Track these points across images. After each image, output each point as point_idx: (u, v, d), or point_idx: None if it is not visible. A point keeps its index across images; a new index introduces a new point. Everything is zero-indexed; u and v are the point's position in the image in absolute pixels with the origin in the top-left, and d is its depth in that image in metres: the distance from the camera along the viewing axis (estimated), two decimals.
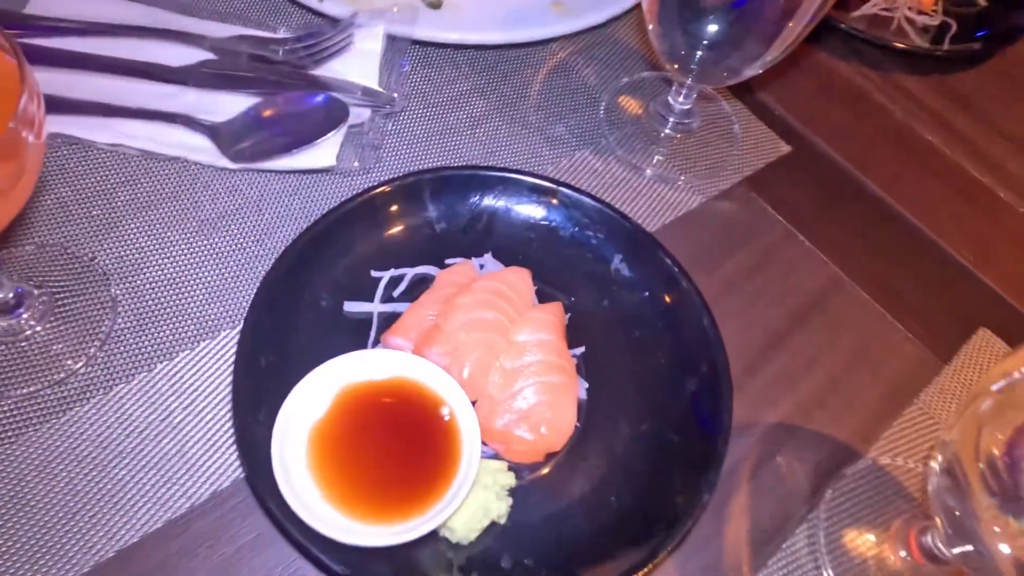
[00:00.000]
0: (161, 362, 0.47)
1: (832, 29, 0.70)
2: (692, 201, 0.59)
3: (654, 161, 0.61)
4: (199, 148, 0.54)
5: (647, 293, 0.51)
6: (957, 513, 0.35)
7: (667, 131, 0.62)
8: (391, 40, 0.60)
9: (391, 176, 0.52)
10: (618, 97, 0.64)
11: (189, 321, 0.49)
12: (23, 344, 0.46)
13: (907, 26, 0.71)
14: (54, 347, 0.46)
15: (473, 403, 0.44)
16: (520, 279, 0.50)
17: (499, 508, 0.42)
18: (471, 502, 0.41)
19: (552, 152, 0.61)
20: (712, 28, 0.52)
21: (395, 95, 0.58)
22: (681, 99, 0.60)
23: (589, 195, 0.53)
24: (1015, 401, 0.31)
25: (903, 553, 0.44)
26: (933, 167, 0.65)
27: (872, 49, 0.71)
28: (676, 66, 0.55)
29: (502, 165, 0.58)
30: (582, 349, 0.50)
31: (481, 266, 0.52)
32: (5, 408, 0.44)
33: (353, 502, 0.40)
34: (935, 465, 0.35)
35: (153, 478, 0.43)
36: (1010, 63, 0.73)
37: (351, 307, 0.49)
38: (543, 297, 0.51)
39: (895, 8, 0.72)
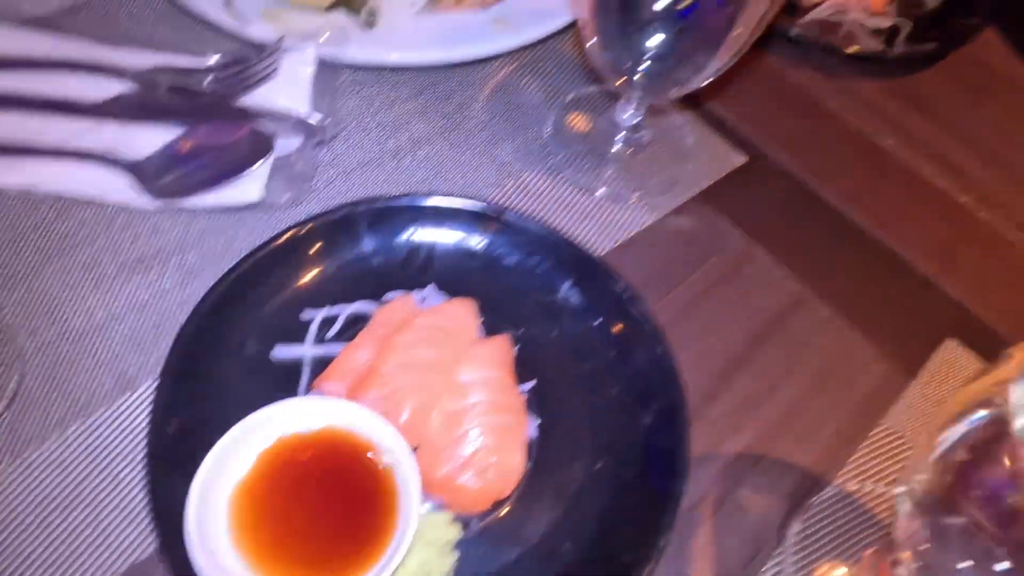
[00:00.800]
0: (75, 422, 0.43)
1: (782, 36, 0.68)
2: (645, 220, 0.57)
3: (604, 179, 0.58)
4: (117, 187, 0.51)
5: (598, 321, 0.49)
6: (927, 554, 0.32)
7: (616, 147, 0.60)
8: (323, 64, 0.57)
9: (323, 208, 0.50)
10: (565, 114, 0.62)
11: (106, 375, 0.45)
12: None
13: (858, 30, 0.69)
14: None
15: (414, 450, 0.41)
16: (463, 312, 0.48)
17: (442, 566, 0.39)
18: (411, 562, 0.38)
19: (498, 174, 0.58)
20: (656, 39, 0.49)
21: (327, 122, 0.55)
22: (628, 114, 0.58)
23: (533, 220, 0.51)
24: (990, 451, 0.29)
25: None
26: (891, 174, 0.63)
27: (824, 55, 0.69)
28: (621, 81, 0.53)
29: (445, 190, 0.55)
30: (532, 383, 0.47)
31: (423, 299, 0.49)
32: None
33: (281, 571, 0.37)
34: (902, 506, 0.33)
35: (65, 552, 0.39)
36: (966, 63, 0.71)
37: (280, 352, 0.46)
38: (490, 330, 0.48)
39: (846, 11, 0.70)
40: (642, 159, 0.60)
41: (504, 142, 0.60)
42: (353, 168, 0.56)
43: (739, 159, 0.62)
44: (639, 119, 0.58)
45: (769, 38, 0.68)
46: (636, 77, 0.52)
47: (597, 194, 0.58)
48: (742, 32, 0.48)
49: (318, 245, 0.49)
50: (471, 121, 0.60)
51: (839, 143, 0.64)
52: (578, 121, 0.61)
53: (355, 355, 0.44)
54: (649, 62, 0.51)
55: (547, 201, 0.57)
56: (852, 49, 0.68)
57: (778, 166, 0.62)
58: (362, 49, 0.58)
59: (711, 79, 0.51)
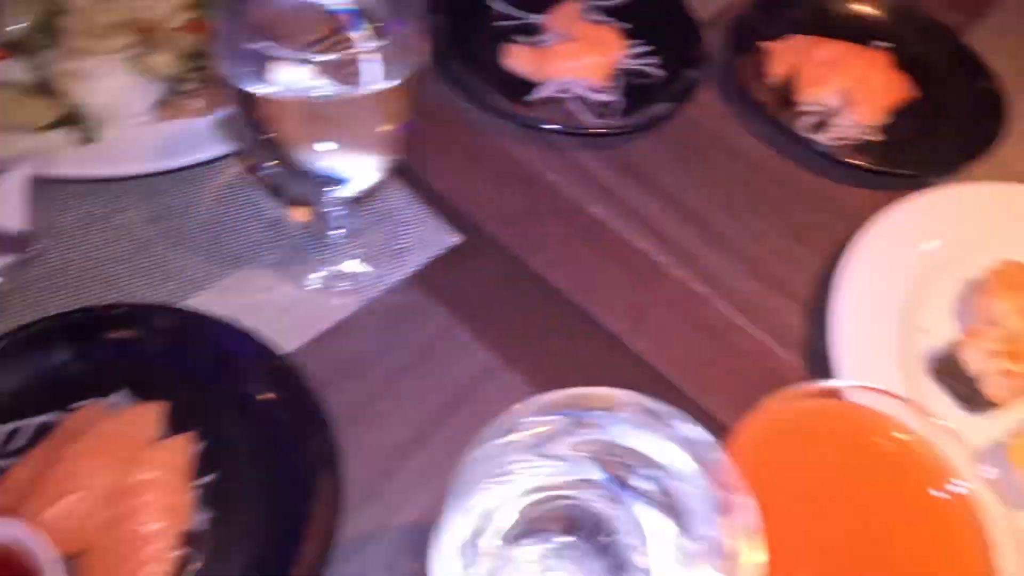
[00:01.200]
0: None
1: (509, 116, 0.74)
2: (351, 306, 0.61)
3: (317, 268, 0.63)
4: None
5: (277, 414, 0.53)
6: None
7: (333, 234, 0.64)
8: (39, 180, 0.61)
9: (20, 324, 0.53)
10: (287, 208, 0.66)
11: None
12: None
13: (576, 107, 0.76)
14: None
15: (76, 556, 0.45)
16: (143, 415, 0.51)
17: None
18: None
19: (220, 270, 0.62)
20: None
21: (39, 237, 0.59)
22: (334, 208, 0.63)
23: (224, 320, 0.55)
24: None
25: None
26: (598, 240, 0.69)
27: (550, 132, 0.75)
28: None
29: (157, 295, 0.59)
30: (211, 477, 0.51)
31: (112, 405, 0.53)
32: None
33: None
34: None
35: None
36: (681, 127, 0.78)
37: None
38: (180, 428, 0.52)
39: (568, 90, 0.76)
40: (358, 244, 0.65)
41: (225, 241, 0.64)
42: (69, 278, 0.60)
43: (454, 238, 0.67)
44: (344, 211, 0.63)
45: (497, 119, 0.74)
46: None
47: (308, 283, 0.62)
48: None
49: (11, 358, 0.52)
50: (192, 223, 0.64)
51: (554, 215, 0.70)
52: (299, 212, 0.66)
53: (21, 470, 0.48)
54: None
55: (255, 297, 0.61)
56: (575, 125, 0.74)
57: (492, 242, 0.67)
58: (82, 163, 0.62)
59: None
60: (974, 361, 0.59)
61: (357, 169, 0.55)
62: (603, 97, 0.77)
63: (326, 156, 0.53)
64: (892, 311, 0.64)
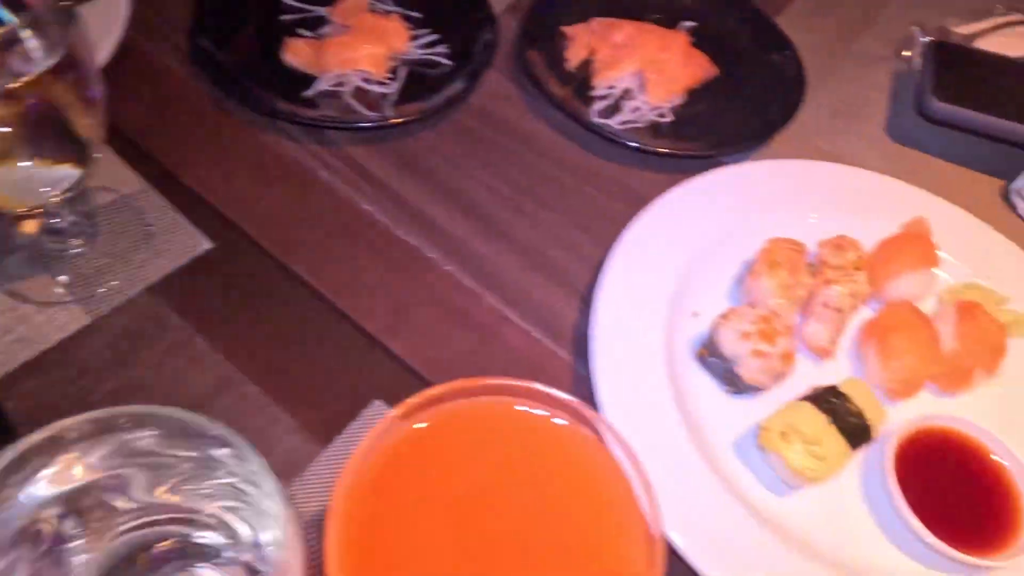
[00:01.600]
0: None
1: (271, 112, 0.70)
2: (77, 323, 0.57)
3: (45, 287, 0.58)
4: None
5: None
6: None
7: (68, 248, 0.60)
8: None
9: None
10: (14, 221, 0.61)
11: None
12: None
13: (354, 101, 0.72)
14: None
15: None
16: None
17: None
18: None
19: None
20: None
21: None
22: (61, 217, 0.58)
23: None
24: None
25: None
26: (366, 238, 0.66)
27: (322, 128, 0.71)
28: None
29: None
30: None
31: None
32: None
33: None
34: None
35: None
36: (470, 118, 0.75)
37: None
38: None
39: (345, 83, 0.73)
40: (95, 257, 0.60)
41: None
42: None
43: (205, 245, 0.63)
44: (76, 217, 0.59)
45: (261, 117, 0.71)
46: None
47: (32, 304, 0.58)
48: None
49: None
50: None
51: (321, 214, 0.67)
52: (27, 225, 0.61)
53: None
54: None
55: None
56: (346, 119, 0.71)
57: (251, 245, 0.64)
58: None
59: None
60: (727, 343, 0.57)
61: (49, 167, 0.51)
62: (382, 89, 0.74)
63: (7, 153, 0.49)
64: (662, 296, 0.62)
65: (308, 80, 0.73)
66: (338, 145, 0.71)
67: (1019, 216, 0.76)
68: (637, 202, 0.68)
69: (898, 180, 0.72)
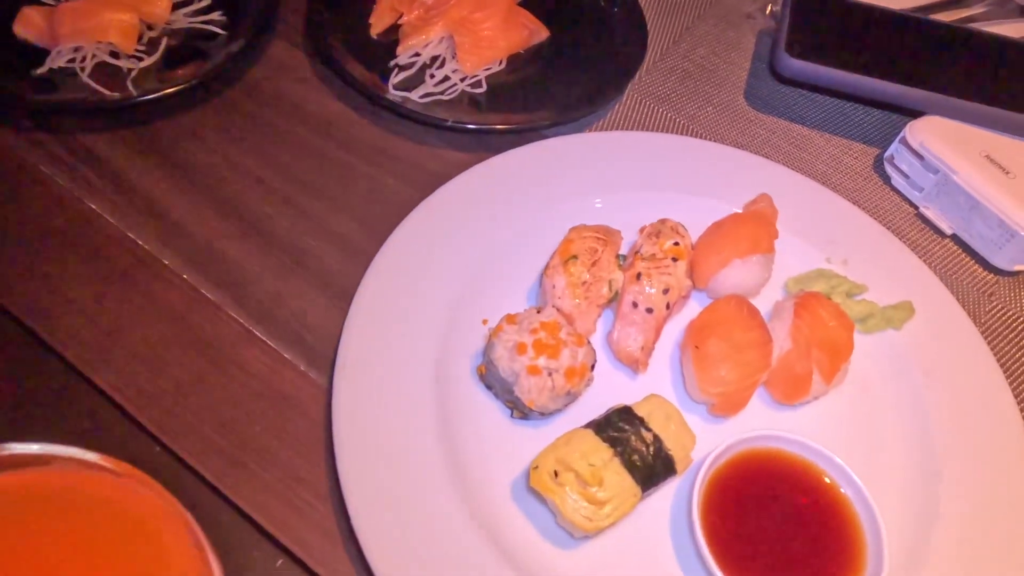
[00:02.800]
0: None
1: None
2: None
3: None
4: None
5: None
6: None
7: None
8: None
9: None
10: None
11: None
12: None
13: (89, 80, 0.60)
14: None
15: None
16: None
17: None
18: None
19: None
20: None
21: None
22: None
23: None
24: None
25: None
26: (84, 243, 0.53)
27: (56, 113, 0.59)
28: None
29: None
30: None
31: None
32: None
33: None
34: None
35: None
36: (244, 97, 0.63)
37: None
38: None
39: (84, 57, 0.61)
40: None
41: None
42: None
43: None
44: None
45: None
46: None
47: None
48: None
49: None
50: None
51: (31, 217, 0.54)
52: None
53: None
54: None
55: None
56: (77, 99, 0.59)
57: None
58: None
59: None
60: (501, 358, 0.45)
61: None
62: (131, 64, 0.61)
63: None
64: (441, 300, 0.51)
65: (43, 55, 0.61)
66: (71, 133, 0.59)
67: (892, 189, 0.65)
68: (433, 187, 0.57)
69: (747, 152, 0.62)
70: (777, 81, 0.68)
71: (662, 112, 0.68)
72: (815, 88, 0.67)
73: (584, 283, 0.49)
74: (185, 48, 0.64)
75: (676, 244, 0.51)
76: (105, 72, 0.61)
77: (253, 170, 0.59)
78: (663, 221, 0.53)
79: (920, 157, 0.62)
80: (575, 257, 0.49)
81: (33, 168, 0.57)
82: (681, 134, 0.66)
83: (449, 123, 0.60)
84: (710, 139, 0.66)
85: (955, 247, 0.63)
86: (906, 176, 0.64)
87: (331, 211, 0.57)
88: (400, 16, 0.68)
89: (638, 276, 0.50)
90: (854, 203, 0.63)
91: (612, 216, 0.56)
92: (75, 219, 0.54)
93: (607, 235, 0.52)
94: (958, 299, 0.56)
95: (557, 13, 0.71)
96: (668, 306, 0.50)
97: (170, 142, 0.60)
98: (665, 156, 0.61)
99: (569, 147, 0.60)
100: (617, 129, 0.65)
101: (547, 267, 0.50)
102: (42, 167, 0.57)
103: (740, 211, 0.57)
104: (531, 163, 0.58)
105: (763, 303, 0.53)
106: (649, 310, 0.49)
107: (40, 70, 0.60)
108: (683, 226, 0.53)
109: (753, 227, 0.53)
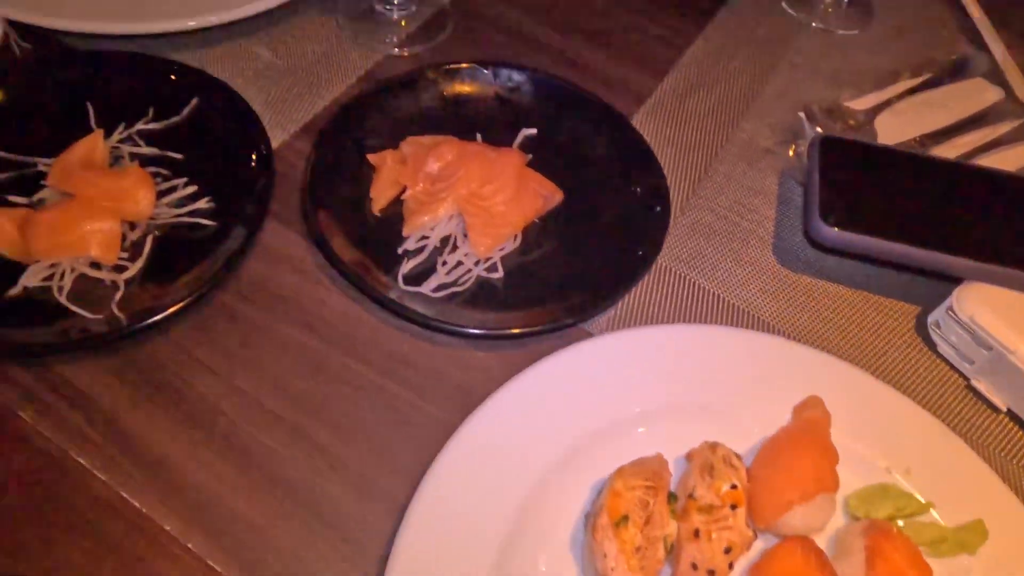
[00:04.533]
0: None
1: None
2: None
3: None
4: None
5: None
6: None
7: None
8: None
9: None
10: None
11: None
12: None
13: (67, 303, 0.54)
14: None
15: None
16: None
17: None
18: None
19: None
20: None
21: None
22: None
23: None
24: None
25: None
26: (69, 510, 0.48)
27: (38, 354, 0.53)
28: None
29: None
30: None
31: None
32: None
33: None
34: None
35: None
36: (232, 297, 0.58)
37: None
38: None
39: (62, 273, 0.55)
40: None
41: None
42: None
43: None
44: None
45: None
46: None
47: None
48: None
49: None
50: None
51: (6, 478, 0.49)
52: None
53: None
54: None
55: None
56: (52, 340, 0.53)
57: None
58: None
59: None
60: None
61: None
62: (113, 275, 0.56)
63: None
64: (488, 547, 0.46)
65: (17, 270, 0.55)
66: (46, 363, 0.53)
67: (939, 356, 0.61)
68: (456, 401, 0.52)
69: (791, 341, 0.57)
70: (811, 246, 0.64)
71: (691, 279, 0.63)
72: (850, 255, 0.62)
73: (638, 548, 0.44)
74: (171, 244, 0.58)
75: (734, 487, 0.46)
76: (84, 285, 0.55)
77: (253, 393, 0.53)
78: (714, 449, 0.49)
79: (970, 331, 0.58)
80: (626, 518, 0.44)
81: (3, 409, 0.51)
82: (714, 304, 0.62)
83: (471, 331, 0.55)
84: (744, 307, 0.62)
85: (1012, 424, 0.59)
86: (954, 347, 0.60)
87: (343, 441, 0.52)
88: (403, 190, 0.63)
89: (696, 533, 0.45)
90: (901, 376, 0.59)
91: (653, 426, 0.52)
92: (55, 475, 0.49)
93: (656, 479, 0.47)
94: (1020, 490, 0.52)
95: (564, 168, 0.66)
96: (731, 566, 0.45)
97: (160, 366, 0.54)
98: (707, 351, 0.56)
99: (604, 350, 0.55)
100: (646, 306, 0.61)
101: (594, 526, 0.45)
102: (16, 409, 0.51)
103: (790, 416, 0.53)
104: (565, 377, 0.53)
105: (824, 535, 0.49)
106: (711, 572, 0.44)
107: (13, 291, 0.54)
108: (737, 456, 0.49)
109: (814, 458, 0.48)
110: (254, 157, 0.62)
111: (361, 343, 0.57)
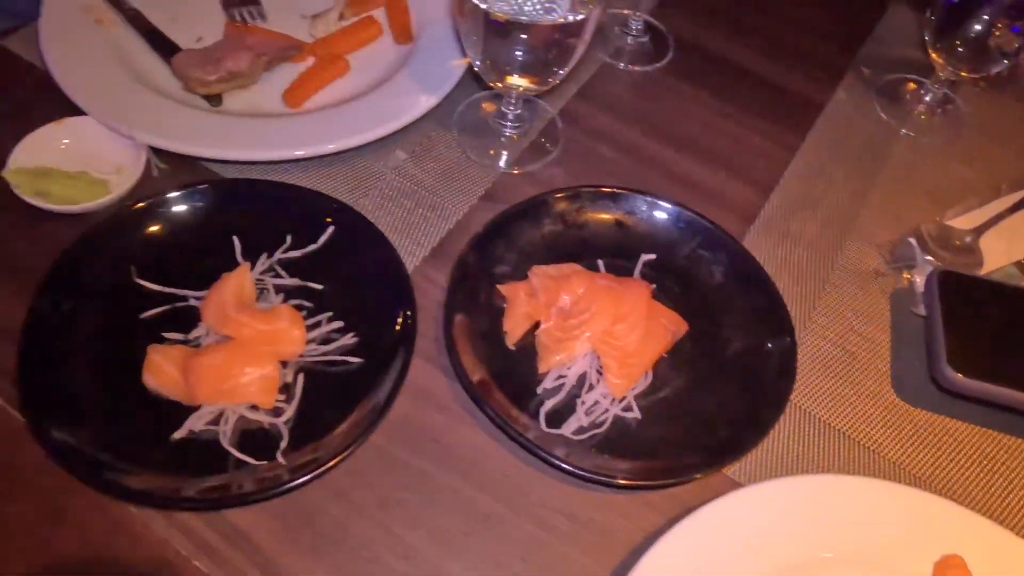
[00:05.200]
0: None
1: (130, 495, 0.54)
2: None
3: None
4: None
5: None
6: None
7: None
8: None
9: None
10: None
11: None
12: None
13: (234, 450, 0.56)
14: None
15: None
16: None
17: None
18: None
19: None
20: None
21: None
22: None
23: None
24: None
25: None
26: None
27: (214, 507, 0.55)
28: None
29: None
30: None
31: None
32: None
33: None
34: None
35: None
36: (379, 434, 0.60)
37: None
38: None
39: (226, 418, 0.57)
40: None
41: None
42: None
43: None
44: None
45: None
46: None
47: None
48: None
49: None
50: None
51: None
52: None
53: None
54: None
55: None
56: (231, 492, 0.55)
57: None
58: None
59: None
60: None
61: None
62: (271, 420, 0.58)
63: None
64: None
65: (178, 412, 0.57)
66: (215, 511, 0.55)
67: None
68: (608, 555, 0.54)
69: (927, 493, 0.57)
70: (938, 390, 0.65)
71: (814, 412, 0.65)
72: (978, 401, 0.64)
73: None
74: (319, 381, 0.60)
75: None
76: (243, 425, 0.57)
77: (407, 538, 0.55)
78: None
79: None
80: None
81: (177, 558, 0.53)
82: (836, 441, 0.63)
83: (621, 481, 0.56)
84: (867, 444, 0.63)
85: None
86: None
87: None
88: (537, 324, 0.65)
89: None
90: None
91: None
92: None
93: None
94: None
95: (682, 295, 0.68)
96: None
97: (318, 509, 0.56)
98: (851, 501, 0.57)
99: (754, 502, 0.56)
100: (771, 440, 0.62)
101: None
102: (191, 559, 0.53)
103: (931, 573, 0.54)
104: (717, 530, 0.55)
105: None
106: None
107: (179, 434, 0.57)
108: None
109: None
110: (392, 287, 0.64)
111: (504, 486, 0.58)
